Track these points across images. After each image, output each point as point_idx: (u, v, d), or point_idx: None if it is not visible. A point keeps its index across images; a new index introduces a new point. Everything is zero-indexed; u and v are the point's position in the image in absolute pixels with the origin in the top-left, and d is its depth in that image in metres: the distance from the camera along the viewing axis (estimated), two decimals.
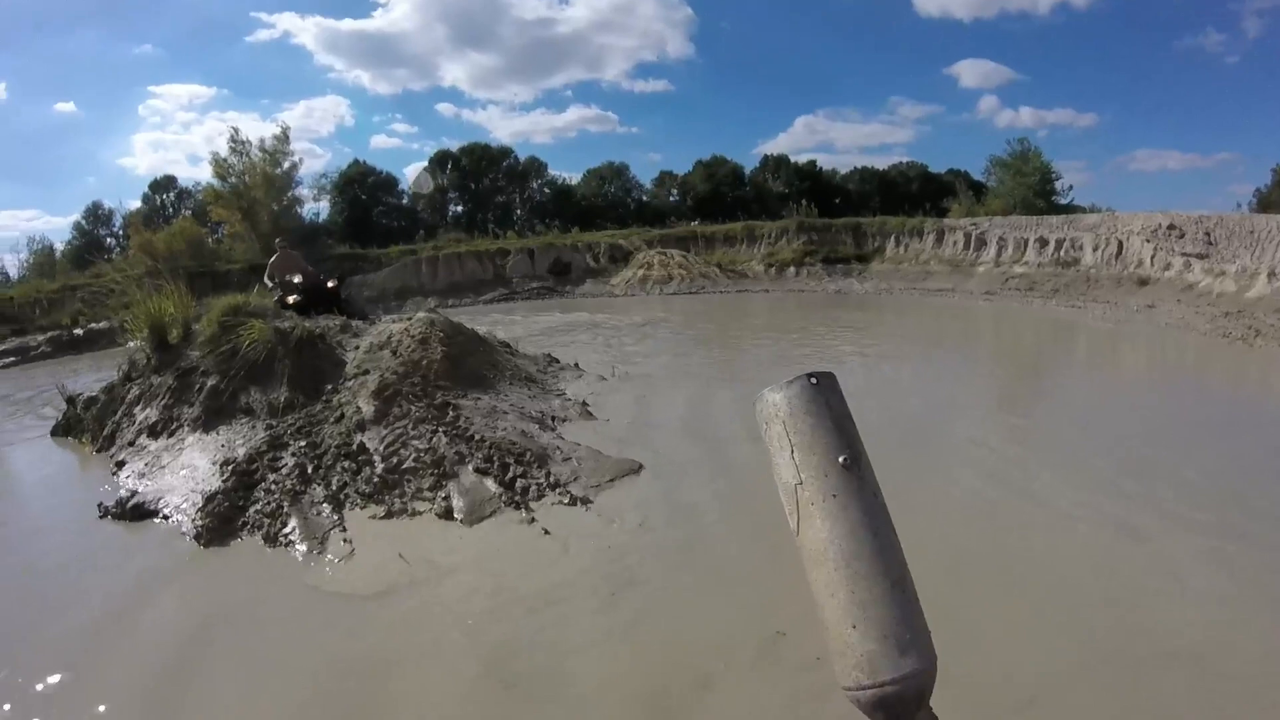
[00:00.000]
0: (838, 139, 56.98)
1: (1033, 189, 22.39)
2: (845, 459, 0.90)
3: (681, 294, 20.39)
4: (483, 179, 35.67)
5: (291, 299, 10.42)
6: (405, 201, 32.67)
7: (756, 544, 4.58)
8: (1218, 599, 3.73)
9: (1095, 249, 16.15)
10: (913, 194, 31.12)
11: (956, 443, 6.23)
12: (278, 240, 12.47)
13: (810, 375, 0.93)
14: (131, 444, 6.86)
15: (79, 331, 16.46)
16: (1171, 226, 14.55)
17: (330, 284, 11.46)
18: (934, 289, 18.29)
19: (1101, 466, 5.62)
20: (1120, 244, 15.64)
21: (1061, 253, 17.04)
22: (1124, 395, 7.95)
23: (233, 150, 21.43)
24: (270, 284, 11.41)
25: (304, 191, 23.27)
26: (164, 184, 33.64)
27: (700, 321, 15.31)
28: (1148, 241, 14.93)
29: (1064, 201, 23.57)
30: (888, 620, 0.87)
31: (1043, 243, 17.70)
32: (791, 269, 22.02)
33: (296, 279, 11.08)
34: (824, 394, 0.93)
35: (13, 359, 15.48)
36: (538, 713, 3.20)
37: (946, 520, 4.73)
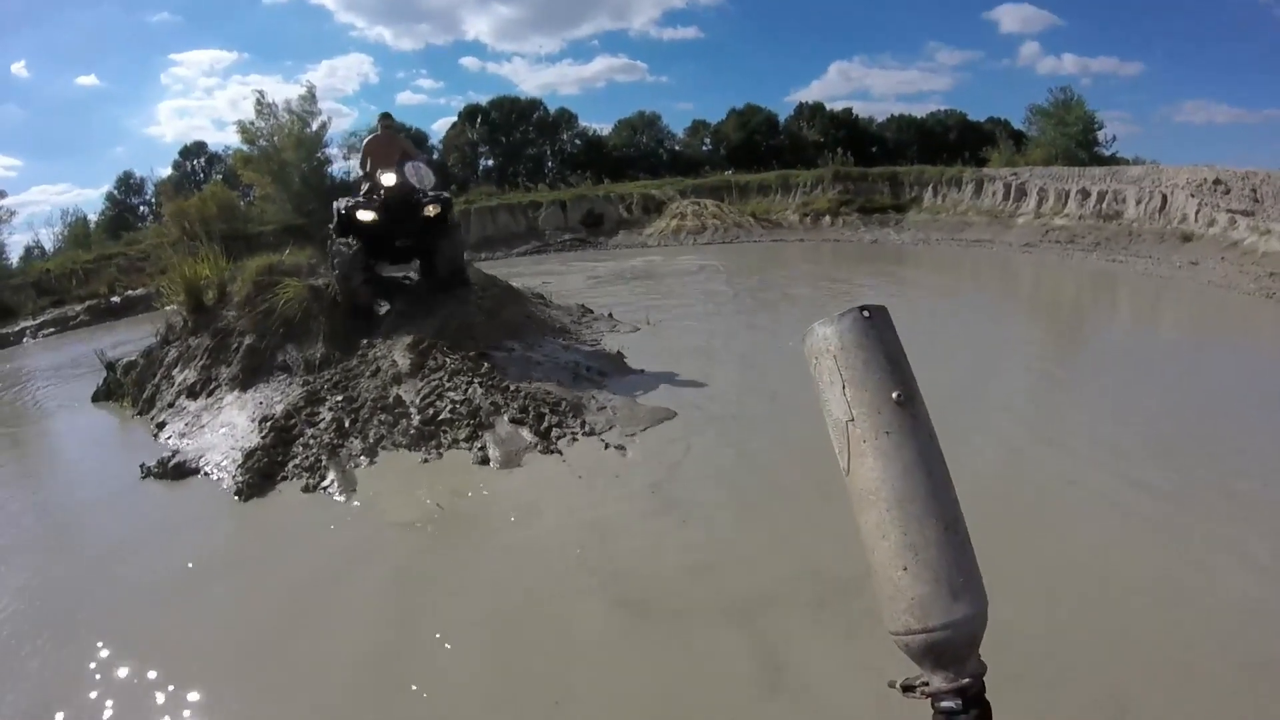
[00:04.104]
0: (874, 86, 54.67)
1: (1075, 139, 21.45)
2: (899, 395, 0.83)
3: (715, 244, 20.06)
4: (513, 132, 35.27)
5: (363, 216, 7.31)
6: (436, 156, 32.52)
7: (796, 490, 4.52)
8: (1248, 569, 3.51)
9: (1138, 202, 15.53)
10: (951, 143, 29.98)
11: (992, 401, 6.07)
12: (380, 117, 8.51)
13: (862, 308, 0.87)
14: (171, 405, 6.93)
15: (116, 299, 16.71)
16: (1217, 182, 13.92)
17: (430, 209, 7.48)
18: (972, 240, 17.76)
19: (1137, 432, 5.33)
20: (1164, 198, 15.01)
21: (1103, 205, 16.38)
22: (1166, 356, 7.56)
23: (259, 113, 21.43)
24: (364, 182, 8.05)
25: (334, 151, 23.15)
26: (194, 150, 33.86)
27: (736, 271, 15.02)
28: (1192, 196, 14.30)
29: (1107, 153, 22.51)
30: (940, 564, 0.81)
31: (1084, 194, 17.01)
32: (827, 218, 21.47)
33: (387, 179, 7.31)
34: (877, 328, 0.87)
35: (52, 329, 15.80)
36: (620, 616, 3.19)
37: (976, 477, 4.60)
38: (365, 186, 7.79)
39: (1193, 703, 2.65)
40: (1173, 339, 8.69)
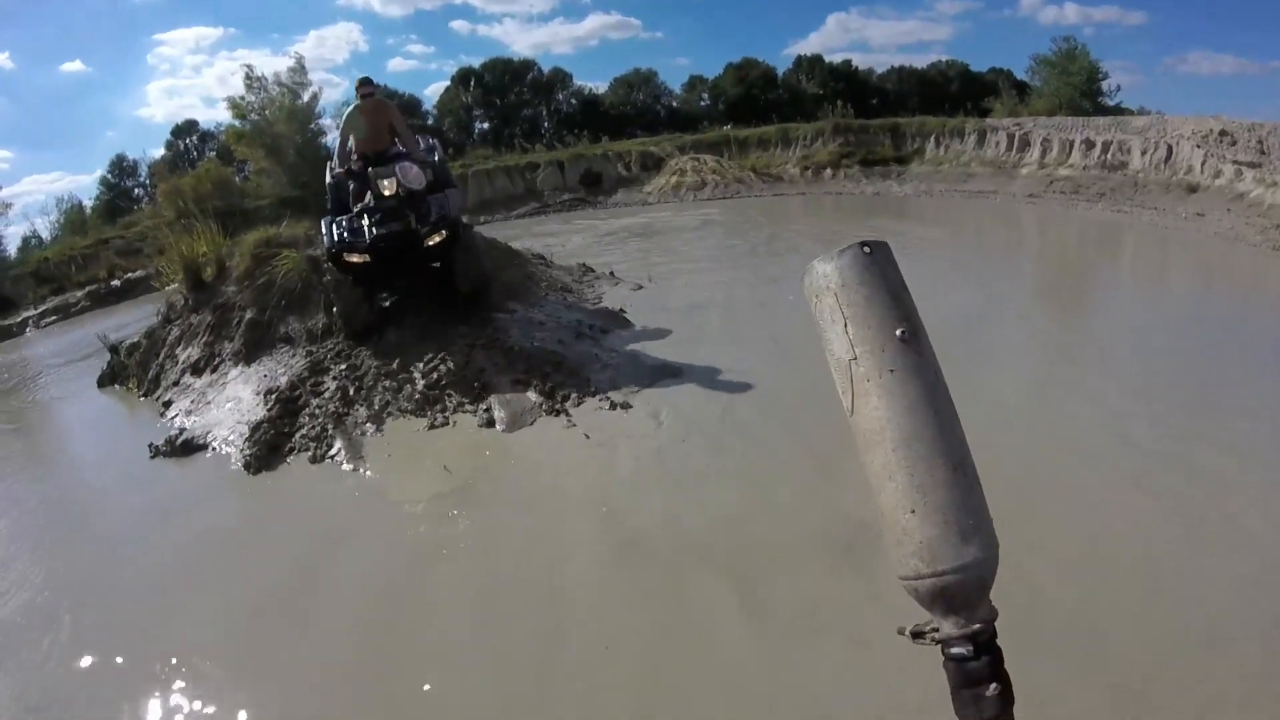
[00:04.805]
0: (873, 37, 53.34)
1: (1078, 89, 21.00)
2: (903, 332, 0.80)
3: (716, 199, 19.82)
4: (507, 94, 34.71)
5: (353, 258, 6.10)
6: (430, 122, 32.04)
7: (802, 439, 4.52)
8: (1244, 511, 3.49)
9: (1143, 153, 15.25)
10: (953, 94, 29.35)
11: (998, 349, 6.03)
12: (358, 84, 6.69)
13: (863, 243, 0.83)
14: (176, 383, 6.93)
15: (116, 283, 16.59)
16: (1223, 133, 13.64)
17: (434, 238, 6.17)
18: (975, 191, 17.49)
19: (1141, 382, 5.24)
20: (1170, 148, 14.72)
21: (1108, 156, 16.09)
22: (1171, 306, 7.46)
23: (249, 88, 21.09)
24: (336, 167, 6.74)
25: (327, 121, 22.81)
26: (185, 129, 33.41)
27: (737, 226, 14.86)
28: (1198, 147, 14.02)
29: (1111, 103, 22.12)
30: (949, 505, 0.78)
31: (1089, 145, 16.69)
32: (828, 171, 21.13)
33: (386, 186, 6.02)
34: (878, 264, 0.83)
35: (54, 317, 15.73)
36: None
37: (979, 427, 4.57)
38: (349, 167, 6.43)
39: (1215, 669, 2.60)
40: (1180, 290, 8.57)
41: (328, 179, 6.82)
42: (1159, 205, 13.26)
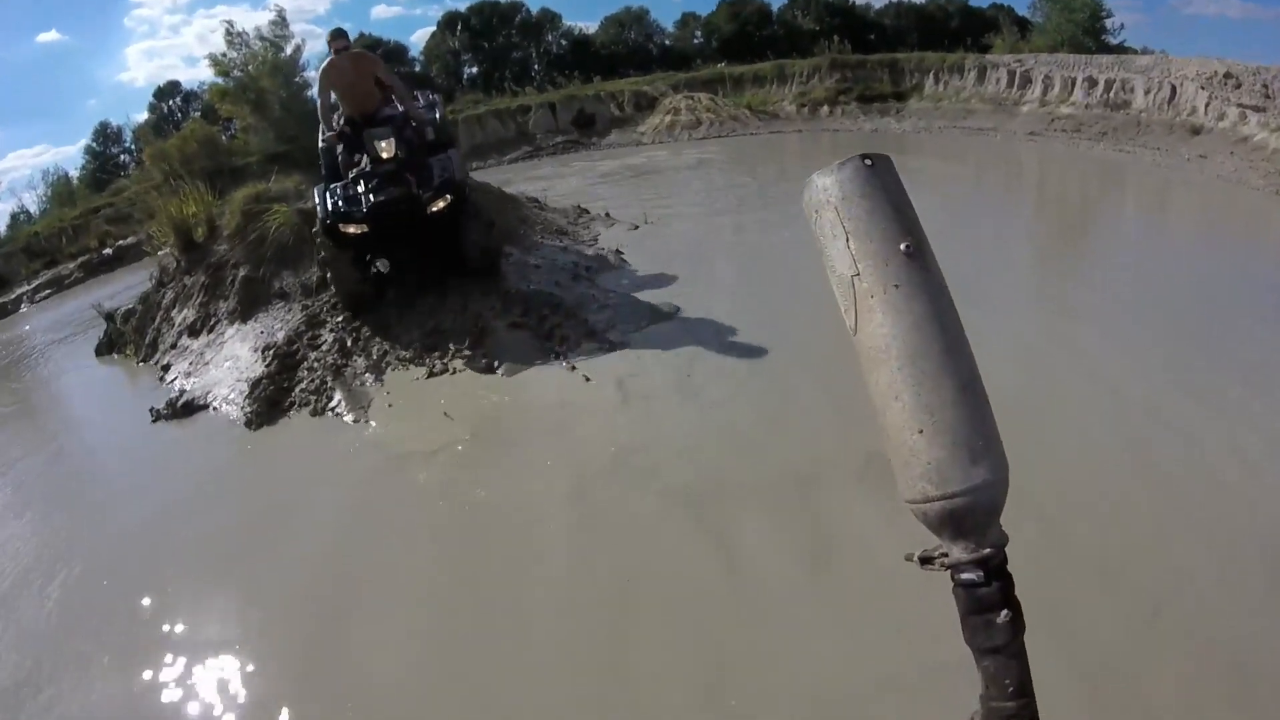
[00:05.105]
0: None
1: (1081, 26, 20.53)
2: (908, 246, 0.78)
3: (711, 138, 19.45)
4: (495, 37, 33.88)
5: (349, 229, 5.58)
6: (418, 69, 31.35)
7: (809, 371, 4.48)
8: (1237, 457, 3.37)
9: (1146, 92, 14.92)
10: (952, 30, 28.55)
11: (995, 289, 5.81)
12: (331, 37, 6.04)
13: (863, 156, 0.79)
14: (174, 346, 6.89)
15: (108, 251, 16.40)
16: (1228, 75, 13.32)
17: (437, 204, 5.61)
18: (975, 128, 17.15)
19: (1144, 323, 5.06)
20: (1173, 89, 14.40)
21: (1111, 94, 15.74)
22: (1172, 246, 7.30)
23: (230, 44, 20.60)
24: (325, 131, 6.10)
25: (311, 74, 22.32)
26: (168, 91, 32.74)
27: (733, 165, 14.65)
28: (1202, 89, 13.71)
29: (1114, 41, 21.65)
30: (957, 425, 0.75)
31: (1091, 83, 16.28)
32: (825, 108, 20.69)
33: (385, 147, 5.51)
34: (880, 176, 0.80)
35: (49, 291, 15.57)
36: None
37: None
38: (339, 130, 5.93)
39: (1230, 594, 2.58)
40: (1181, 230, 8.38)
41: (320, 144, 6.25)
42: (1161, 146, 13.09)
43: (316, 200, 5.83)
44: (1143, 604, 2.55)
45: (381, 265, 5.74)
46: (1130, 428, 3.66)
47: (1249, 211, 8.66)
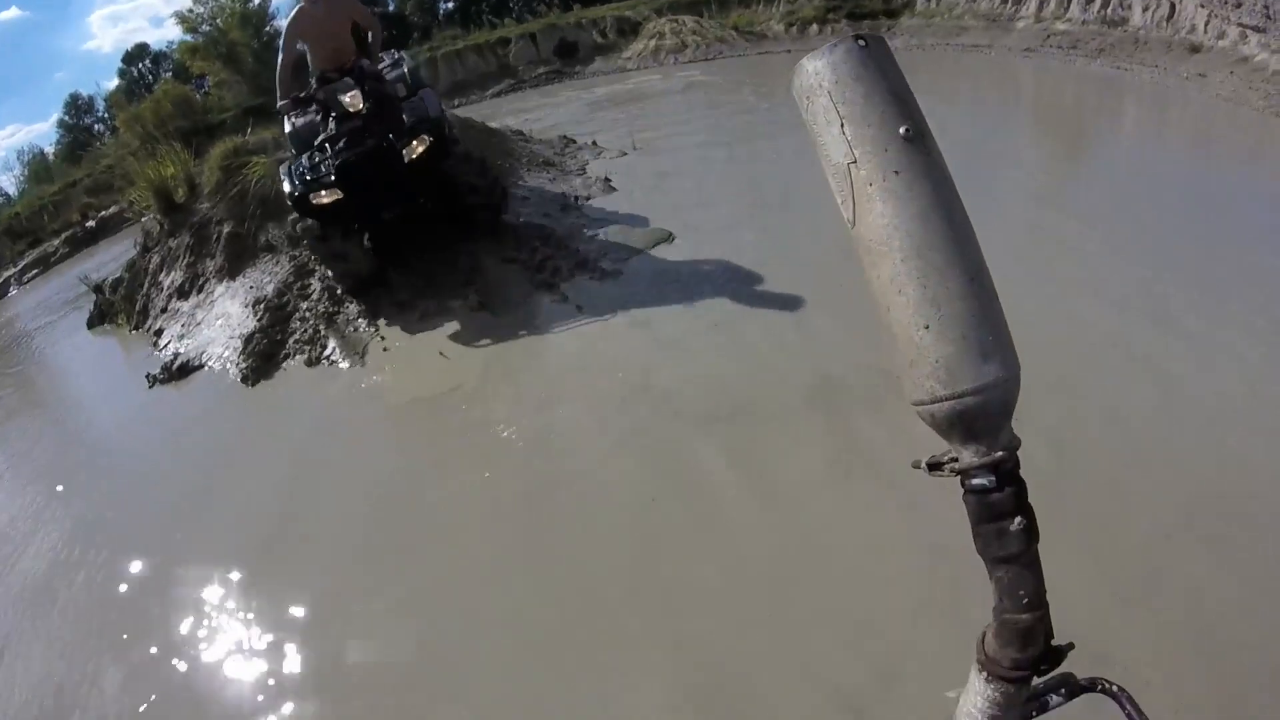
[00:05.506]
0: None
1: None
2: (908, 130, 0.72)
3: (698, 61, 18.91)
4: None
5: (321, 199, 4.90)
6: (391, 8, 30.41)
7: (809, 288, 4.38)
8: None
9: (1145, 9, 14.35)
10: None
11: (990, 210, 5.61)
12: None
13: (857, 36, 0.75)
14: (164, 310, 6.80)
15: (90, 223, 16.13)
16: None
17: (415, 147, 4.92)
18: (968, 45, 16.56)
19: (1139, 242, 4.70)
20: (1172, 6, 13.84)
21: (1108, 11, 15.15)
22: (1171, 160, 7.08)
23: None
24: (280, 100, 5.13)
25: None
26: (137, 54, 32.02)
27: (721, 87, 14.27)
28: (1201, 7, 13.16)
29: None
30: (966, 319, 0.71)
31: None
32: (814, 27, 19.92)
33: (351, 99, 4.84)
34: (875, 58, 0.75)
35: (36, 271, 15.33)
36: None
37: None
38: (304, 94, 5.05)
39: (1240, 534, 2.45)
40: (1179, 146, 8.17)
41: (286, 127, 5.58)
42: (1160, 64, 12.68)
43: (282, 178, 5.24)
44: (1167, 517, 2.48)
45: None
46: (1106, 348, 3.50)
47: (1248, 130, 8.43)
